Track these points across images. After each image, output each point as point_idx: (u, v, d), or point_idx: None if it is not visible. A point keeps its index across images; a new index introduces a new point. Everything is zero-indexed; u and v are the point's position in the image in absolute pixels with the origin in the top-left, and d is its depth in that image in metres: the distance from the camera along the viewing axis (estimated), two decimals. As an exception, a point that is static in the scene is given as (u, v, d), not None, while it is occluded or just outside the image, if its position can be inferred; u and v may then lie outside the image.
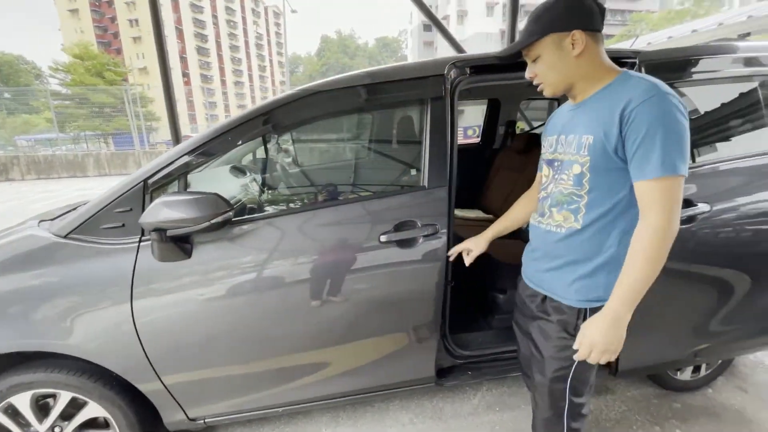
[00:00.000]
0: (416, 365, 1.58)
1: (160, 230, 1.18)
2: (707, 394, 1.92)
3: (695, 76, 1.50)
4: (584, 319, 1.01)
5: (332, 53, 77.20)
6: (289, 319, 1.38)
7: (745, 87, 1.59)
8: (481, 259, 1.45)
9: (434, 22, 4.13)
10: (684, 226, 1.40)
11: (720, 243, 1.47)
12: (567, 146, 1.01)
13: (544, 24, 0.95)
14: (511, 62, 1.11)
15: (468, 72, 1.48)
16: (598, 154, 0.93)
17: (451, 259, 1.45)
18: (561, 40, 0.94)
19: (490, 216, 2.75)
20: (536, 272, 1.13)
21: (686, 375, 1.91)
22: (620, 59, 1.44)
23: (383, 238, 1.37)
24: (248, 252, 1.32)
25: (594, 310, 1.00)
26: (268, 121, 1.38)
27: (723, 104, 1.57)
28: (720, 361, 1.94)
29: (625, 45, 2.34)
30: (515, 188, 2.58)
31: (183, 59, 53.09)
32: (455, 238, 2.46)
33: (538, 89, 1.04)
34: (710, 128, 1.58)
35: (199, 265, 1.28)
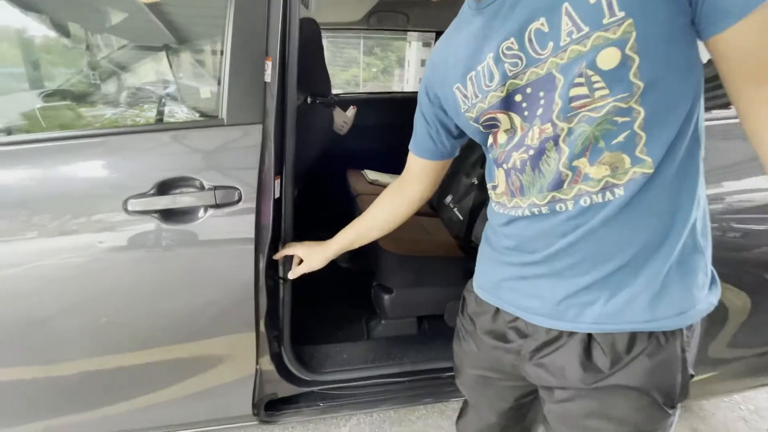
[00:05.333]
0: (227, 400, 1.05)
1: None
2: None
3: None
4: (683, 348, 0.55)
5: None
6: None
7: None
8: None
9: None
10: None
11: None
12: (547, 40, 0.48)
13: None
14: None
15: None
16: (648, 7, 0.43)
17: (275, 257, 0.92)
18: None
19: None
20: (559, 301, 0.57)
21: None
22: None
23: (134, 205, 0.80)
24: None
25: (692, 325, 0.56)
26: None
27: None
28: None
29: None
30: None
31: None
32: (346, 208, 1.92)
33: None
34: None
35: None
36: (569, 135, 0.51)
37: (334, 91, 1.46)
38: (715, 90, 1.07)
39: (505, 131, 0.57)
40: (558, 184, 0.54)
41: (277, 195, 0.94)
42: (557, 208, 0.54)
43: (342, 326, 1.43)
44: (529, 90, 0.52)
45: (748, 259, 1.02)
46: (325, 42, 1.33)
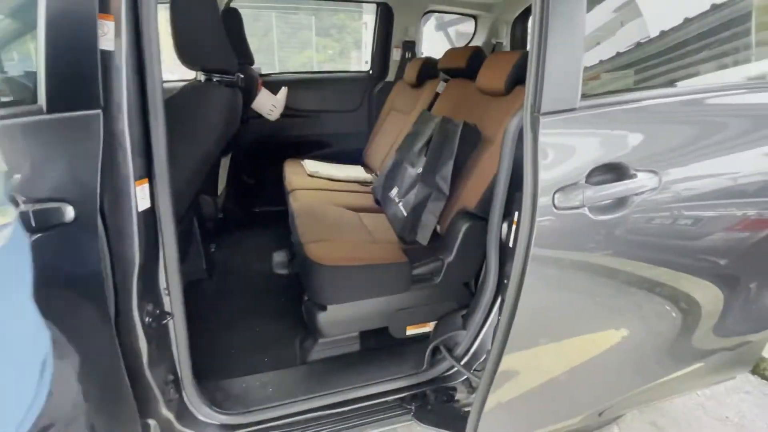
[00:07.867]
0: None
1: None
2: (613, 435, 1.39)
3: None
4: None
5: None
6: None
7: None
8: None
9: None
10: (607, 217, 0.73)
11: (672, 236, 0.83)
12: None
13: None
14: None
15: None
16: None
17: None
18: None
19: (369, 177, 1.98)
20: None
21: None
22: None
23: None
24: None
25: None
26: None
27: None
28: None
29: None
30: (399, 138, 1.80)
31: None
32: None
33: None
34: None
35: None
36: None
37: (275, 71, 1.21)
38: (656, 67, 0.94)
39: None
40: None
41: (146, 205, 0.71)
42: None
43: (270, 351, 1.22)
44: None
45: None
46: (276, 21, 1.08)
